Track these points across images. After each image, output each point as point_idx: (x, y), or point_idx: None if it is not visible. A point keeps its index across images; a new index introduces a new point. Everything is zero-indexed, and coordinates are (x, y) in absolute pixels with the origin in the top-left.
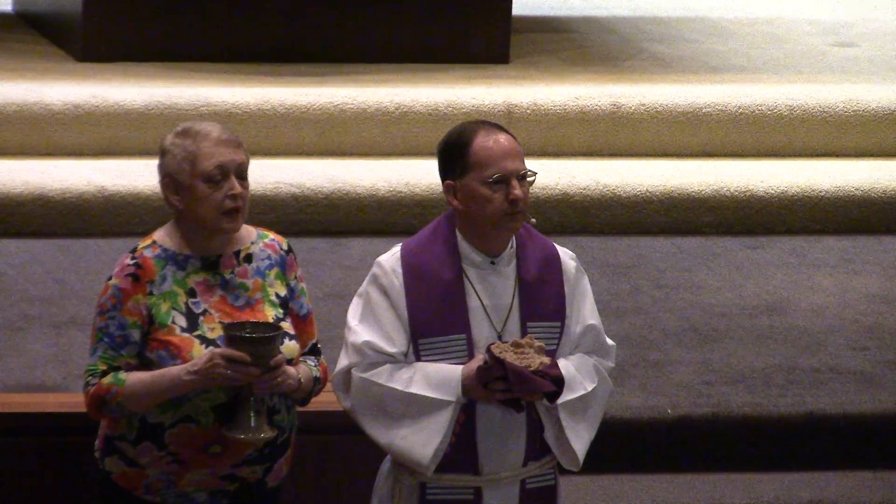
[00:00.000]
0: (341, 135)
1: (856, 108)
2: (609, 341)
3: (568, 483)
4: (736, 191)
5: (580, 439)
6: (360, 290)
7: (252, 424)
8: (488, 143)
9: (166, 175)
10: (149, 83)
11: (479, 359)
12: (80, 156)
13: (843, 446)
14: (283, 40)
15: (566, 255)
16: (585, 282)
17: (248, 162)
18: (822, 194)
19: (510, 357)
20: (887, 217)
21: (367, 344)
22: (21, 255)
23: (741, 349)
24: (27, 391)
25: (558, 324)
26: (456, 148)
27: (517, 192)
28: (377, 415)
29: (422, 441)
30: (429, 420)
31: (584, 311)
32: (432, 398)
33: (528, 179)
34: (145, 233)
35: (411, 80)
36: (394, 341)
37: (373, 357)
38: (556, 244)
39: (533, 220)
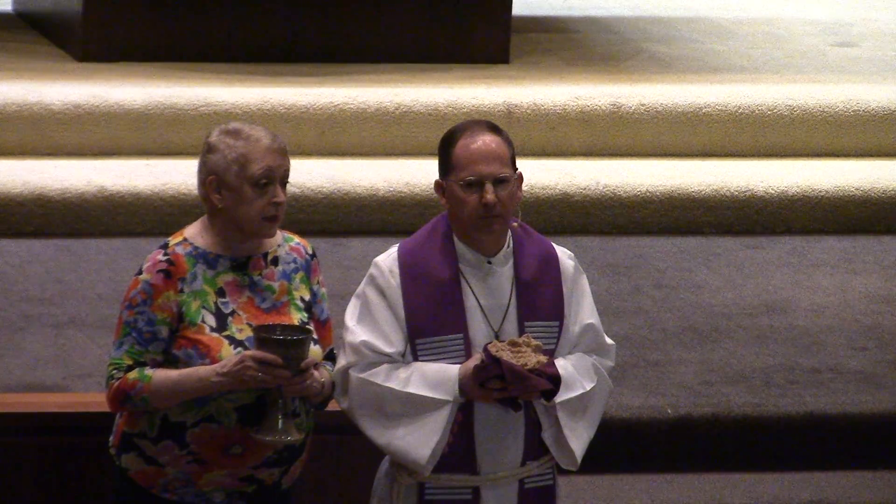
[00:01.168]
0: (341, 135)
1: (856, 108)
2: (609, 340)
3: (568, 483)
4: (736, 191)
5: (578, 439)
6: (358, 290)
7: (280, 427)
8: (469, 144)
9: (211, 172)
10: (149, 83)
11: (476, 358)
12: (80, 156)
13: (843, 446)
14: (283, 40)
15: (564, 254)
16: (584, 281)
17: (289, 168)
18: (822, 194)
19: (507, 356)
20: (887, 217)
21: (365, 344)
22: (21, 255)
23: (741, 349)
24: (27, 391)
25: (556, 323)
26: (443, 146)
27: (489, 196)
28: (375, 415)
29: (419, 441)
30: (426, 420)
31: (583, 310)
32: (430, 398)
33: (512, 182)
34: (145, 233)
35: (411, 80)
36: (391, 341)
37: (370, 357)
38: (554, 244)
39: (515, 223)
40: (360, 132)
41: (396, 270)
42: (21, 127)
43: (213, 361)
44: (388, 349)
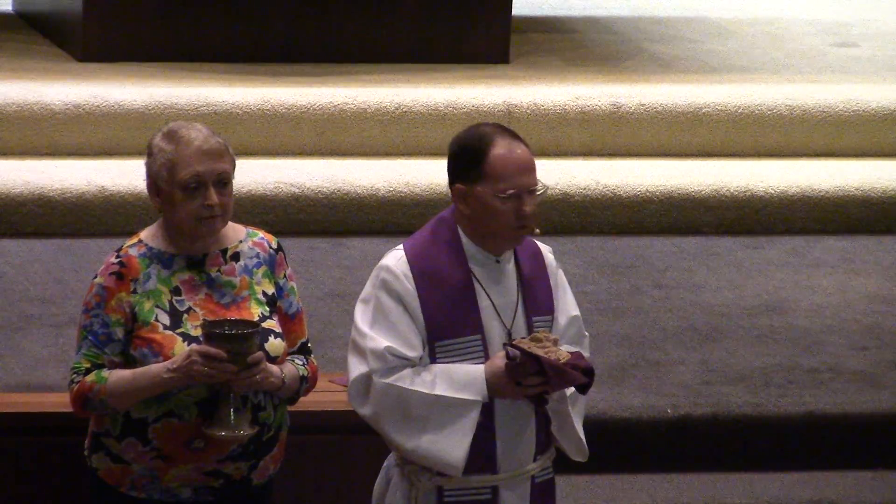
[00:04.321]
0: (341, 135)
1: (856, 108)
2: (585, 332)
3: (568, 482)
4: (736, 191)
5: (581, 430)
6: (366, 295)
7: (231, 421)
8: (506, 154)
9: (147, 176)
10: (149, 83)
11: (500, 356)
12: (80, 156)
13: (843, 446)
14: (283, 40)
15: (545, 248)
16: (562, 273)
17: (232, 168)
18: (822, 194)
19: (539, 352)
20: (887, 217)
21: (389, 350)
22: (21, 255)
23: (741, 349)
24: (27, 391)
25: (551, 317)
26: (472, 153)
27: (528, 208)
28: (400, 420)
29: (453, 443)
30: (457, 422)
31: (567, 302)
32: (459, 399)
33: (538, 193)
34: None
35: (411, 80)
36: (413, 345)
37: (393, 362)
38: (533, 239)
39: (537, 230)
40: (360, 132)
41: (410, 274)
42: (21, 127)
43: (166, 359)
44: (411, 353)
